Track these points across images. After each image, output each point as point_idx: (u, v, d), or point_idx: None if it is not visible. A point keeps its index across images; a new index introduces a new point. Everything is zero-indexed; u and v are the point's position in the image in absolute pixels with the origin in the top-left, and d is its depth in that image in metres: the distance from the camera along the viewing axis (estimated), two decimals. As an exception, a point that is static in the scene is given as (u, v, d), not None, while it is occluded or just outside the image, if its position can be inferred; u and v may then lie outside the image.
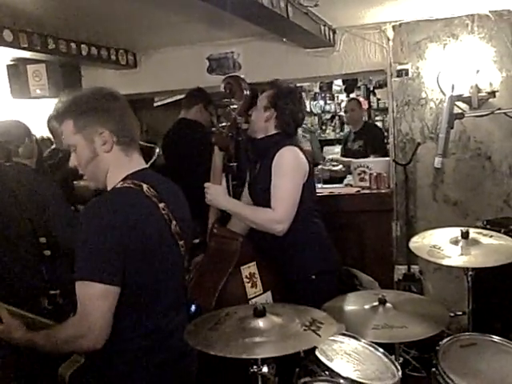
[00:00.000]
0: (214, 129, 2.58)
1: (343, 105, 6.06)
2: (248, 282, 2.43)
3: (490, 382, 1.96)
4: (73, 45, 3.73)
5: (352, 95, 5.94)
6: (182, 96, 4.53)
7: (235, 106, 2.47)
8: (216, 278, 2.35)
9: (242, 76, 2.62)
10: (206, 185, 2.52)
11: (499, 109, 2.97)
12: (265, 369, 1.67)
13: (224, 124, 2.49)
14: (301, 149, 2.52)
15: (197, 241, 3.08)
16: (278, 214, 2.38)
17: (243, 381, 1.78)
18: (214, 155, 2.55)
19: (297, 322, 1.67)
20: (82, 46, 3.82)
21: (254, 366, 1.68)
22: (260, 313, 1.65)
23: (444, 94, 3.42)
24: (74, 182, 3.14)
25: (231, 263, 2.42)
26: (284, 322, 1.67)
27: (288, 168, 2.43)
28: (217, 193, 2.49)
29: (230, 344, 1.58)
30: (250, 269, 2.46)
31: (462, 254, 2.36)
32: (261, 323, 1.66)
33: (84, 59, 3.90)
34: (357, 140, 4.65)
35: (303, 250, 2.52)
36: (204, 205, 2.58)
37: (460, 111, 2.57)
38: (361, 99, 5.86)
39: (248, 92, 2.46)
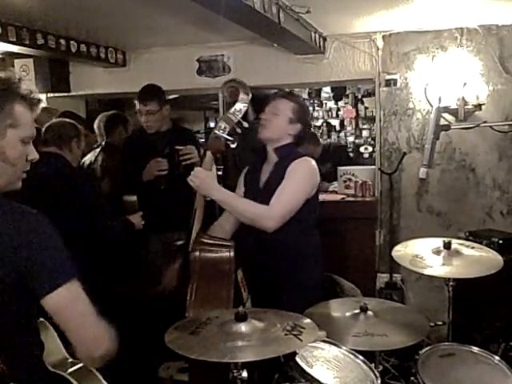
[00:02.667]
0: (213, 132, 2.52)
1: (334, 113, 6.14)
2: (241, 287, 2.40)
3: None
4: (62, 41, 3.70)
5: (340, 103, 5.99)
6: (173, 96, 4.55)
7: (236, 111, 2.43)
8: (223, 289, 2.26)
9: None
10: (196, 169, 2.41)
11: (485, 122, 3.01)
12: (245, 373, 1.66)
13: (224, 128, 2.43)
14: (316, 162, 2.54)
15: (180, 242, 3.06)
16: (273, 210, 2.35)
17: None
18: (205, 158, 2.51)
19: (278, 327, 1.67)
20: (71, 42, 3.78)
21: (234, 371, 1.68)
22: (242, 317, 1.64)
23: (431, 105, 3.45)
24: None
25: (231, 271, 2.35)
26: (266, 327, 1.67)
27: (301, 175, 2.43)
28: (207, 177, 2.38)
29: (211, 348, 1.58)
30: (240, 273, 2.44)
31: (443, 265, 2.38)
32: (242, 327, 1.66)
33: (73, 56, 3.87)
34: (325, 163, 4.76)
35: (307, 262, 2.52)
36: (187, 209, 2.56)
37: (446, 123, 2.60)
38: (348, 107, 5.92)
39: (249, 96, 2.44)
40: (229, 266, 2.32)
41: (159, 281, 2.57)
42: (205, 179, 2.39)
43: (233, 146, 2.45)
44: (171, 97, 4.27)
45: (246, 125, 2.41)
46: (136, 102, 3.32)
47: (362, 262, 3.64)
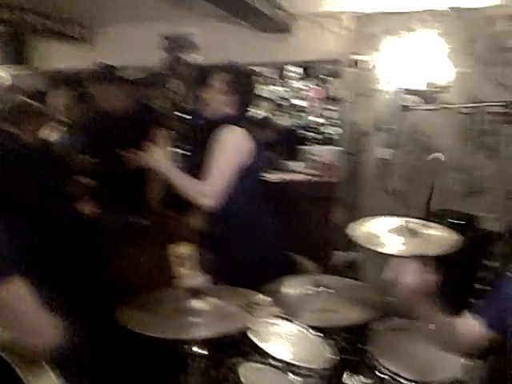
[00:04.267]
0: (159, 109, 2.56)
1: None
2: (184, 264, 2.41)
3: (417, 366, 2.03)
4: (27, 16, 3.60)
5: (307, 82, 5.97)
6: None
7: (178, 86, 2.46)
8: (150, 256, 2.34)
9: (198, 57, 2.61)
10: (148, 144, 2.50)
11: (447, 103, 3.04)
12: (195, 348, 1.68)
13: (167, 103, 2.48)
14: (248, 130, 2.52)
15: (146, 223, 3.06)
16: (207, 189, 2.39)
17: (174, 361, 1.79)
18: (158, 135, 2.55)
19: (233, 303, 1.68)
20: (36, 17, 3.68)
21: (186, 346, 1.69)
22: (197, 294, 1.65)
23: (395, 86, 3.47)
24: None
25: (167, 242, 2.38)
26: (221, 303, 1.68)
27: (225, 145, 2.43)
28: (157, 153, 2.46)
29: (166, 325, 1.59)
30: (187, 250, 2.44)
31: (399, 243, 2.42)
32: (197, 304, 1.66)
33: (38, 31, 3.77)
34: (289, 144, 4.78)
35: (244, 234, 2.53)
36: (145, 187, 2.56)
37: (409, 104, 2.62)
38: (316, 87, 5.91)
39: (191, 73, 2.46)
40: (166, 237, 2.35)
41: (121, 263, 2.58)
42: (153, 155, 2.46)
43: (188, 118, 2.48)
44: (139, 76, 4.20)
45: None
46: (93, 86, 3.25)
47: (321, 241, 3.68)
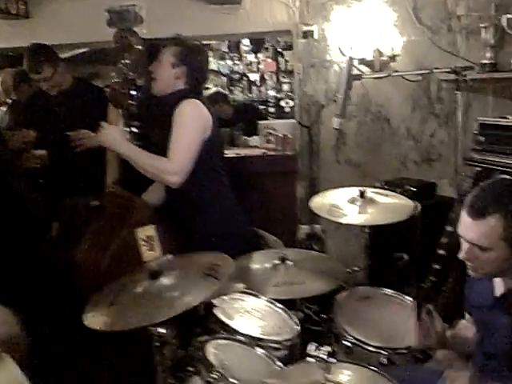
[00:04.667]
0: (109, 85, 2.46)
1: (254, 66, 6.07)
2: (145, 246, 2.35)
3: (383, 333, 2.07)
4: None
5: (260, 56, 5.91)
6: (82, 50, 4.30)
7: (127, 62, 2.37)
8: (109, 239, 2.27)
9: (144, 31, 2.52)
10: (102, 124, 2.39)
11: (396, 71, 3.06)
12: (162, 330, 1.64)
13: (116, 80, 2.38)
14: (204, 103, 2.47)
15: (96, 203, 2.97)
16: (173, 165, 2.31)
17: (140, 344, 1.75)
18: (109, 113, 2.46)
19: (195, 271, 1.65)
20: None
21: (152, 328, 1.65)
22: (156, 274, 1.61)
23: (344, 55, 3.46)
24: None
25: (125, 224, 2.34)
26: (182, 275, 1.65)
27: (186, 119, 2.36)
28: (113, 132, 2.38)
29: (132, 315, 1.54)
30: (147, 231, 2.38)
31: (359, 213, 2.45)
32: (159, 283, 1.62)
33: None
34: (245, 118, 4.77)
35: (207, 210, 2.49)
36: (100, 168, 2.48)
37: (359, 73, 2.62)
38: (268, 60, 5.86)
39: (141, 47, 2.36)
40: (125, 219, 2.29)
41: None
42: (107, 133, 2.36)
43: (137, 95, 2.40)
44: (80, 51, 4.03)
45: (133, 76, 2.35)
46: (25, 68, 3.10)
47: (284, 215, 3.69)
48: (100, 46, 4.45)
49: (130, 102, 2.41)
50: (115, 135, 2.37)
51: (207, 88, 5.29)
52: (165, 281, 1.62)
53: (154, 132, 2.64)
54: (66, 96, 3.20)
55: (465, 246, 1.53)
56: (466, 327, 1.83)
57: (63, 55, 4.93)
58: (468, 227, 1.49)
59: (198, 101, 2.41)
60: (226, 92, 5.37)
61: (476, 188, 1.56)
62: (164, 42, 2.47)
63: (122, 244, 2.26)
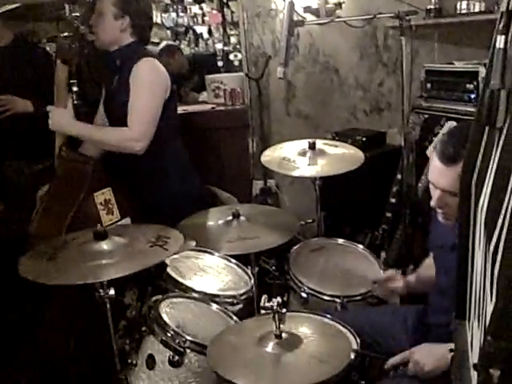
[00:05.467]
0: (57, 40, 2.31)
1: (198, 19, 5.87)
2: (103, 209, 2.29)
3: (334, 280, 2.11)
4: None
5: (206, 8, 5.72)
6: (12, 6, 4.02)
7: (77, 14, 2.22)
8: (66, 205, 2.18)
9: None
10: (49, 108, 2.30)
11: (339, 17, 3.01)
12: (112, 291, 1.61)
13: (66, 34, 2.23)
14: (160, 61, 2.36)
15: (44, 165, 2.86)
16: (135, 132, 2.22)
17: (92, 307, 1.71)
18: (57, 70, 2.31)
19: (142, 240, 1.62)
20: None
21: (101, 290, 1.61)
22: (101, 235, 1.56)
23: (290, 4, 3.36)
24: None
25: (82, 189, 2.25)
26: (128, 242, 1.60)
27: (146, 81, 2.26)
28: (60, 116, 2.27)
29: (72, 271, 1.49)
30: (104, 195, 2.32)
31: (309, 165, 2.44)
32: (104, 246, 1.58)
33: None
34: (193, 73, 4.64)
35: (164, 172, 2.43)
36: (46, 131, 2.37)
37: (301, 19, 2.54)
38: (214, 12, 5.67)
39: None
40: (81, 184, 2.21)
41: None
42: (57, 119, 2.27)
43: (85, 51, 2.27)
44: (10, 7, 3.77)
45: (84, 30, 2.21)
46: None
47: (237, 171, 3.65)
48: (33, 1, 4.19)
49: (80, 57, 2.27)
50: (62, 118, 2.26)
51: (155, 43, 5.09)
52: (109, 243, 1.57)
53: (106, 90, 2.52)
54: (5, 53, 3.02)
55: (436, 193, 1.51)
56: (429, 266, 1.87)
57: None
58: (440, 174, 1.47)
59: (155, 59, 2.30)
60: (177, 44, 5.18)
61: (444, 134, 1.55)
62: None
63: (80, 209, 2.18)
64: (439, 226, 1.65)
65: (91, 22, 2.35)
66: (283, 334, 1.41)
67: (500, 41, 0.88)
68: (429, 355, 1.51)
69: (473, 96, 2.58)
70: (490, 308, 0.75)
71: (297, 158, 2.48)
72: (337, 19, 2.57)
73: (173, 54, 4.66)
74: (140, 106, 2.24)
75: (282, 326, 1.41)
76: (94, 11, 2.35)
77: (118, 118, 2.32)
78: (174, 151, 2.49)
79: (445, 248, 1.65)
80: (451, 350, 1.17)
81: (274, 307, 1.38)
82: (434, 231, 1.79)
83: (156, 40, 5.26)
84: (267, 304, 1.40)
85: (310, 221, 2.75)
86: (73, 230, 2.09)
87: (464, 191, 1.14)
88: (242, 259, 2.19)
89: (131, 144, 2.23)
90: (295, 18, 2.12)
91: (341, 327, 1.67)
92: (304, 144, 2.53)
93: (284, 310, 1.40)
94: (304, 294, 2.04)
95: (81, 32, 2.26)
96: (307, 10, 3.35)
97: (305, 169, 2.42)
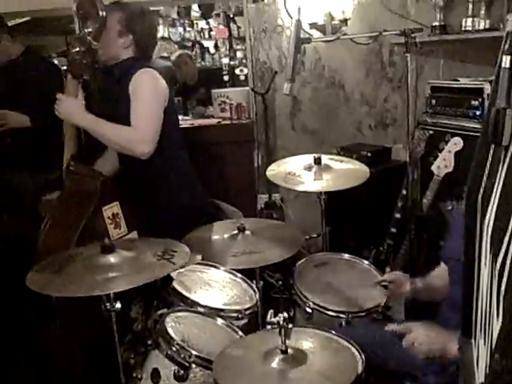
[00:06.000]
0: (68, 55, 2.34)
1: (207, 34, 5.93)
2: (111, 223, 2.31)
3: (338, 295, 2.09)
4: None
5: (212, 23, 5.78)
6: (23, 19, 4.08)
7: (90, 30, 2.25)
8: (74, 219, 2.19)
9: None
10: (59, 96, 2.29)
11: (345, 34, 3.03)
12: (118, 305, 1.61)
13: (78, 49, 2.26)
14: (160, 72, 2.39)
15: (50, 178, 2.88)
16: (141, 133, 2.25)
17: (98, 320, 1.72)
18: (67, 84, 2.35)
19: (149, 254, 1.62)
20: None
21: (107, 304, 1.62)
22: (108, 249, 1.56)
23: (291, 17, 3.40)
24: None
25: (91, 203, 2.26)
26: (135, 255, 1.61)
27: (146, 89, 2.29)
28: (71, 105, 2.28)
29: (78, 283, 1.50)
30: (112, 209, 2.33)
31: (315, 180, 2.45)
32: (111, 259, 1.59)
33: None
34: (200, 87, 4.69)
35: (169, 185, 2.45)
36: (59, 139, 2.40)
37: (308, 36, 2.57)
38: (221, 27, 5.73)
39: (104, 14, 2.24)
40: (90, 199, 2.22)
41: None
42: (67, 107, 2.27)
43: (96, 66, 2.30)
44: (22, 20, 3.83)
45: (96, 45, 2.24)
46: None
47: (242, 185, 3.67)
48: (44, 14, 4.25)
49: (90, 72, 2.30)
50: (73, 107, 2.28)
51: (164, 57, 5.15)
52: (116, 257, 1.58)
53: (107, 102, 2.55)
54: (14, 66, 3.07)
55: None
56: (439, 276, 1.86)
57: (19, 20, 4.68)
58: None
59: (153, 70, 2.34)
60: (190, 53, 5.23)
61: None
62: (107, 8, 2.36)
63: (89, 223, 2.19)
64: (457, 237, 1.65)
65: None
66: (289, 350, 1.41)
67: (506, 61, 0.90)
68: (426, 336, 1.55)
69: (478, 112, 2.59)
70: (496, 326, 0.75)
71: (302, 173, 2.49)
72: (343, 37, 2.60)
73: (187, 62, 4.75)
74: (141, 111, 2.28)
75: (287, 341, 1.41)
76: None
77: None
78: (179, 164, 2.52)
79: (462, 261, 1.65)
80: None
81: (281, 322, 1.38)
82: (451, 243, 1.78)
83: (165, 54, 5.32)
84: (273, 319, 1.40)
85: (315, 235, 2.75)
86: (81, 244, 2.10)
87: (470, 208, 1.15)
88: (247, 273, 2.19)
89: (137, 145, 2.26)
90: (302, 35, 2.14)
91: (346, 343, 1.66)
92: (309, 159, 2.54)
93: (290, 326, 1.40)
94: (309, 309, 2.04)
95: (93, 48, 2.29)
96: (313, 26, 3.38)
97: (310, 184, 2.43)
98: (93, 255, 1.59)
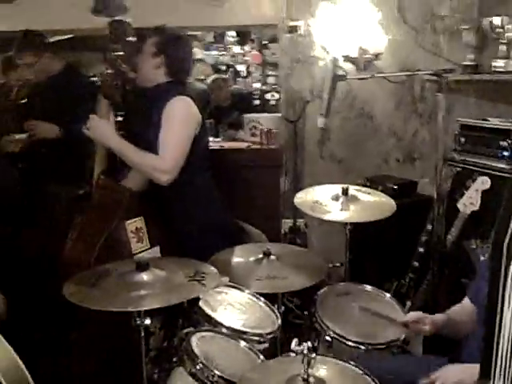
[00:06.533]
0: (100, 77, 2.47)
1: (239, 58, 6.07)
2: (134, 237, 2.38)
3: (362, 328, 2.12)
4: None
5: (246, 47, 5.91)
6: (66, 37, 4.25)
7: (120, 53, 2.37)
8: (98, 231, 2.29)
9: (129, 20, 2.51)
10: (92, 116, 2.39)
11: (380, 72, 3.11)
12: (148, 321, 1.67)
13: (109, 71, 2.39)
14: (193, 100, 2.48)
15: (81, 192, 2.98)
16: (166, 163, 2.33)
17: (126, 336, 1.78)
18: (100, 103, 2.46)
19: (180, 274, 1.69)
20: None
21: (138, 319, 1.68)
22: (143, 266, 1.64)
23: (329, 54, 3.50)
24: None
25: (115, 217, 2.35)
26: (168, 275, 1.68)
27: (178, 118, 2.38)
28: (103, 126, 2.38)
29: (114, 299, 1.57)
30: (136, 223, 2.41)
31: (341, 210, 2.50)
32: (144, 277, 1.65)
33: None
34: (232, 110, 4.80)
35: (189, 203, 2.52)
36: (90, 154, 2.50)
37: (343, 73, 2.65)
38: (254, 52, 5.86)
39: (133, 39, 2.37)
40: (115, 211, 2.31)
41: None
42: (98, 127, 2.36)
43: (127, 88, 2.40)
44: (64, 37, 3.99)
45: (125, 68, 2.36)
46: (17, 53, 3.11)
47: (267, 209, 3.71)
48: (83, 33, 4.42)
49: (121, 94, 2.42)
50: (104, 129, 2.37)
51: (199, 79, 5.29)
52: (152, 274, 1.65)
53: (138, 124, 2.65)
54: (53, 83, 3.19)
55: None
56: (461, 312, 1.87)
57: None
58: None
59: (188, 98, 2.42)
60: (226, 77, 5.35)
61: None
62: (146, 32, 2.48)
63: (111, 236, 2.28)
64: (481, 278, 1.66)
65: (136, 59, 2.50)
66: (310, 379, 1.45)
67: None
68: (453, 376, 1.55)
69: (506, 153, 2.61)
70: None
71: (329, 202, 2.54)
72: (377, 74, 2.67)
73: (222, 86, 4.85)
74: (172, 141, 2.36)
75: (309, 370, 1.45)
76: (137, 51, 2.51)
77: (149, 150, 2.41)
78: (203, 183, 2.58)
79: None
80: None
81: (305, 351, 1.42)
82: (475, 284, 1.79)
83: (202, 77, 5.46)
84: (298, 347, 1.44)
85: (338, 264, 2.78)
86: (103, 256, 2.19)
87: (495, 252, 1.19)
88: (268, 297, 2.23)
89: (159, 174, 2.34)
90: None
91: (364, 374, 1.69)
92: (337, 189, 2.59)
93: (314, 355, 1.44)
94: (329, 338, 2.07)
95: (122, 70, 2.41)
96: (346, 59, 3.46)
97: (337, 213, 2.48)
98: (127, 272, 1.66)
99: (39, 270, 2.74)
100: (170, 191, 2.42)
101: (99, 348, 2.28)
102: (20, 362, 1.37)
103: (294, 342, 1.49)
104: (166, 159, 2.33)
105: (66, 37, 4.31)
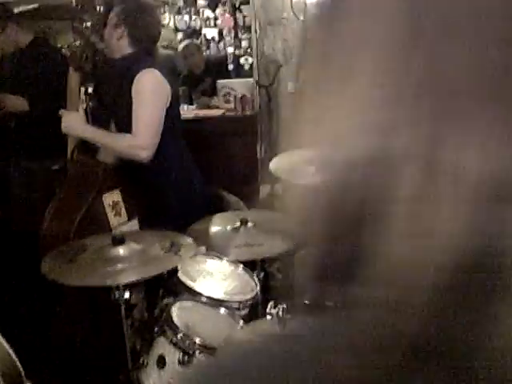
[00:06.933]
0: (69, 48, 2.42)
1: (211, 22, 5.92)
2: (111, 211, 2.38)
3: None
4: None
5: (218, 10, 5.76)
6: (31, 6, 4.12)
7: (88, 24, 2.32)
8: (76, 206, 2.28)
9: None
10: (61, 112, 2.39)
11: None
12: (127, 294, 1.70)
13: (78, 43, 2.34)
14: (163, 70, 2.44)
15: (56, 167, 2.96)
16: (141, 140, 2.32)
17: (108, 309, 1.80)
18: (69, 76, 2.42)
19: (157, 246, 1.70)
20: None
21: (116, 293, 1.70)
22: (119, 241, 1.65)
23: (297, 17, 3.44)
24: None
25: (92, 190, 2.35)
26: (144, 248, 1.69)
27: (148, 93, 2.34)
28: (72, 120, 2.37)
29: (91, 274, 1.58)
30: (113, 196, 2.41)
31: (315, 174, 2.51)
32: (121, 251, 1.67)
33: None
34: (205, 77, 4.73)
35: (165, 174, 2.51)
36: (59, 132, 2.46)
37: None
38: (226, 15, 5.73)
39: (102, 8, 2.31)
40: (91, 186, 2.31)
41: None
42: (69, 123, 2.36)
43: (97, 58, 2.36)
44: (30, 7, 3.87)
45: (95, 39, 2.31)
46: None
47: (245, 176, 3.74)
48: (50, 2, 4.29)
49: (91, 66, 2.37)
50: (75, 123, 2.36)
51: (171, 46, 5.18)
52: (126, 248, 1.67)
53: (110, 95, 2.61)
54: (21, 56, 3.12)
55: None
56: None
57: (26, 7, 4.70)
58: None
59: (155, 70, 2.38)
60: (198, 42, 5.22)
61: None
62: (115, 2, 2.42)
63: (89, 211, 2.27)
64: None
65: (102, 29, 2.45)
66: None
67: None
68: None
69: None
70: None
71: (304, 167, 2.55)
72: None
73: (195, 52, 4.75)
74: (144, 117, 2.34)
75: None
76: (105, 21, 2.45)
77: (122, 124, 2.42)
78: (177, 153, 2.56)
79: None
80: None
81: (280, 313, 1.46)
82: None
83: (172, 43, 5.34)
84: (273, 310, 1.48)
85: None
86: (82, 231, 2.19)
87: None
88: (248, 262, 2.26)
89: (137, 152, 2.33)
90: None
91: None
92: (310, 153, 2.60)
93: (289, 316, 1.48)
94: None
95: (92, 41, 2.36)
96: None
97: (310, 178, 2.49)
98: (104, 246, 1.67)
99: (19, 245, 2.74)
100: (145, 163, 2.41)
101: (82, 321, 2.30)
102: (10, 350, 1.38)
103: (270, 304, 1.53)
104: (140, 136, 2.31)
105: (31, 6, 4.18)
